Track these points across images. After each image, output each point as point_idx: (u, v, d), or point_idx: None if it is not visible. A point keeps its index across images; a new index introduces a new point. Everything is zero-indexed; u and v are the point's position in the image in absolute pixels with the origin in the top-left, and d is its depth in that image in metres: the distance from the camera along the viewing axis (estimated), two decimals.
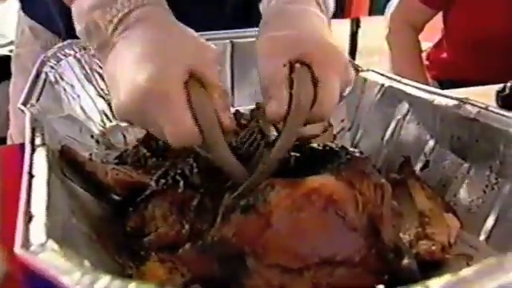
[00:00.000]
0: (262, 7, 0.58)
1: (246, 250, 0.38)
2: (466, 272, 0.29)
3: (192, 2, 0.73)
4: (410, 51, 1.48)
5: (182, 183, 0.48)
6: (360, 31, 2.73)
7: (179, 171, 0.49)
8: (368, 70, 0.70)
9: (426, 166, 0.58)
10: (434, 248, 0.44)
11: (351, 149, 0.51)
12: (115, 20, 0.46)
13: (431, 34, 1.56)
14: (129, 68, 0.44)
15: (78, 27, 0.49)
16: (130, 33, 0.46)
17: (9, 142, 0.91)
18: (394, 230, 0.43)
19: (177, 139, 0.43)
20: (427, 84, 1.42)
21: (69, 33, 0.69)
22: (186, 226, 0.45)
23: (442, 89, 1.48)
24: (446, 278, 0.29)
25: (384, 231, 0.41)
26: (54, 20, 0.83)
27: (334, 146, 0.52)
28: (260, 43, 0.49)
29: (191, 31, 0.48)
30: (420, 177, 0.56)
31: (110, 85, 0.47)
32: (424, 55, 1.54)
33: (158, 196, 0.48)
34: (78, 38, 0.51)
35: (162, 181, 0.49)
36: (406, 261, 0.41)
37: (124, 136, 0.70)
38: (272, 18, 0.52)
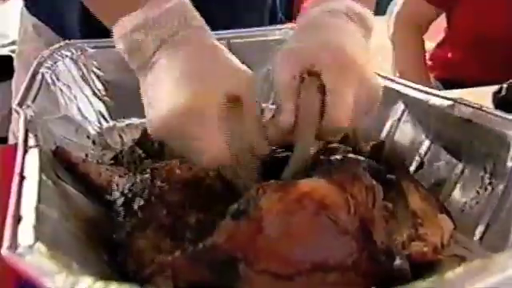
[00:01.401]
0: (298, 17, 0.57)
1: (238, 256, 0.38)
2: (451, 274, 0.29)
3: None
4: (413, 51, 1.48)
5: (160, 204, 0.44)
6: None
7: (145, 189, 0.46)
8: None
9: (420, 166, 0.58)
10: (425, 249, 0.44)
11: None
12: (157, 41, 0.46)
13: (434, 34, 1.56)
14: (171, 87, 0.45)
15: (120, 46, 0.48)
16: (172, 53, 0.46)
17: (10, 138, 0.92)
18: (385, 232, 0.43)
19: (207, 159, 0.45)
20: (430, 84, 1.41)
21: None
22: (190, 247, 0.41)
23: (445, 89, 1.48)
24: (432, 280, 0.29)
25: (376, 234, 0.41)
26: (64, 26, 0.84)
27: (337, 145, 0.52)
28: (277, 55, 0.50)
29: (231, 55, 0.48)
30: (415, 178, 0.56)
31: (148, 103, 0.47)
32: (427, 55, 1.54)
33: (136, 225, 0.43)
34: None
35: (135, 206, 0.45)
36: (397, 262, 0.41)
37: (121, 137, 0.71)
38: (298, 30, 0.53)
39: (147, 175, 0.46)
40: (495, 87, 0.75)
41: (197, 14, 0.49)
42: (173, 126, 0.45)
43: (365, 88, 0.48)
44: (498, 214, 0.48)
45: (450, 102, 0.55)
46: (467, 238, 0.49)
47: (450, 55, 1.50)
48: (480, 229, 0.49)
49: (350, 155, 0.49)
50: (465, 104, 0.54)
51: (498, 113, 0.51)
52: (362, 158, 0.50)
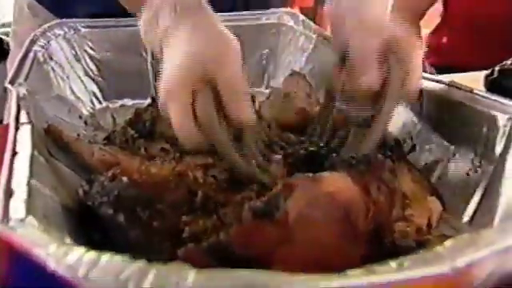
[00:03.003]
0: None
1: (255, 258, 0.36)
2: (440, 248, 0.29)
3: None
4: None
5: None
6: None
7: None
8: None
9: (412, 149, 0.58)
10: (408, 229, 0.44)
11: None
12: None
13: (429, 22, 1.55)
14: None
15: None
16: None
17: (6, 117, 0.91)
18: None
19: (182, 140, 0.47)
20: (424, 68, 1.41)
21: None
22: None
23: (439, 74, 1.48)
24: (420, 255, 0.29)
25: (387, 238, 0.41)
26: (60, 5, 0.83)
27: None
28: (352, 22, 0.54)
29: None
30: (409, 160, 0.56)
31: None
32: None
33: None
34: None
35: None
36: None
37: (113, 117, 0.70)
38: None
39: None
40: (487, 71, 0.75)
41: None
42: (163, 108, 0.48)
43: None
44: (487, 196, 0.49)
45: (441, 86, 0.55)
46: (457, 220, 0.49)
47: (445, 40, 1.50)
48: (469, 210, 0.49)
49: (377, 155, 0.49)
50: (456, 87, 0.54)
51: (489, 95, 0.51)
52: (386, 160, 0.50)
